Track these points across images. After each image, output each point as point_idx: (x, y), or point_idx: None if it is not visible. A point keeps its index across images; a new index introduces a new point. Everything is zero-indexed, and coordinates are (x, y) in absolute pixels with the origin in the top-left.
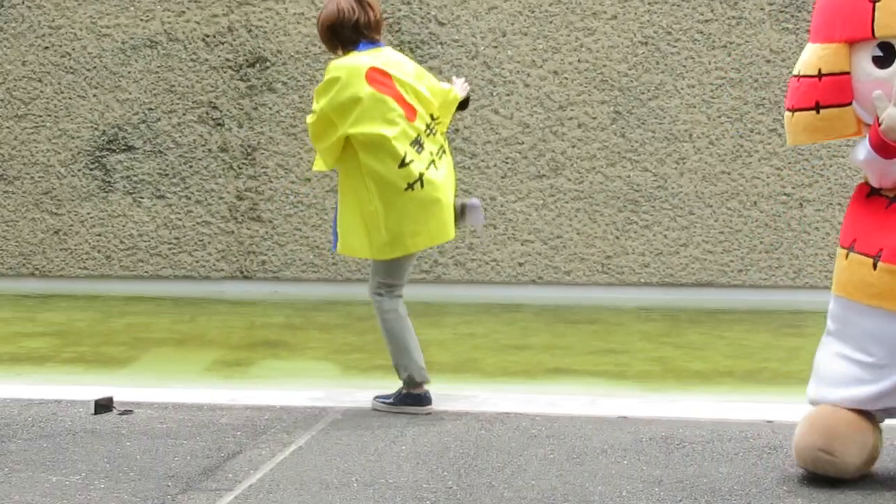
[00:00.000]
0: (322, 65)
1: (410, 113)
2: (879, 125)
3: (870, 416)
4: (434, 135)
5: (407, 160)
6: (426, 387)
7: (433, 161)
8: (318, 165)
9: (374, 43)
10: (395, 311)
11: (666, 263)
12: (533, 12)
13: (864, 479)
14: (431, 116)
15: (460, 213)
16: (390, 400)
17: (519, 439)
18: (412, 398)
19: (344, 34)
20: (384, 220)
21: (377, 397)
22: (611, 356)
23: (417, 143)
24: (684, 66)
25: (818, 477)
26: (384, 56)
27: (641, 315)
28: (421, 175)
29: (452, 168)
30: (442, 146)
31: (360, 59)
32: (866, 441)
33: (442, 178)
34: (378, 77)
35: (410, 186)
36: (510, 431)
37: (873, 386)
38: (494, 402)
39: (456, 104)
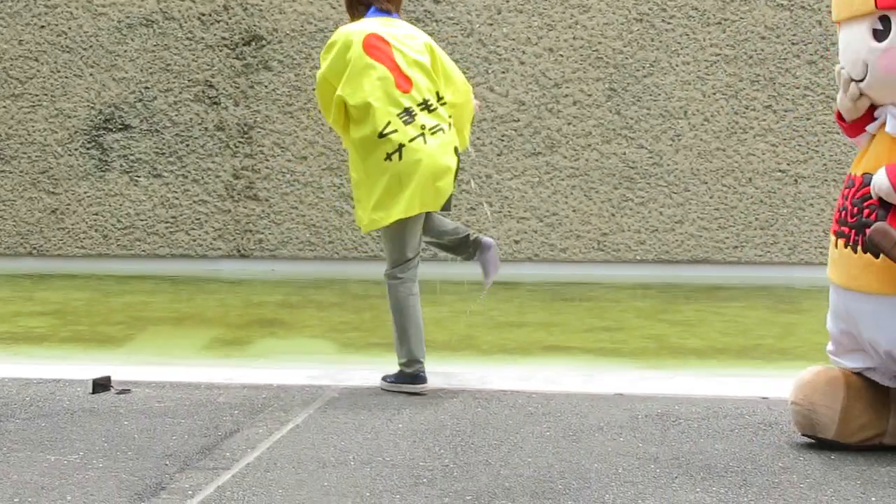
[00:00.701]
0: (318, 42)
1: (404, 83)
2: None
3: (883, 390)
4: (434, 111)
5: (387, 130)
6: (424, 367)
7: (423, 134)
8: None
9: (385, 12)
10: (403, 298)
11: (661, 240)
12: None
13: (861, 451)
14: (438, 95)
15: (473, 246)
16: (391, 379)
17: (515, 417)
18: (405, 377)
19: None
20: (365, 191)
21: (384, 377)
22: (607, 333)
23: (407, 114)
24: (679, 42)
25: (813, 452)
26: (391, 25)
27: (637, 292)
28: (401, 146)
29: (451, 149)
30: (440, 124)
31: (362, 25)
32: (850, 404)
33: (429, 150)
34: (375, 43)
35: (388, 157)
36: (506, 409)
37: (835, 346)
38: (491, 380)
39: (468, 108)
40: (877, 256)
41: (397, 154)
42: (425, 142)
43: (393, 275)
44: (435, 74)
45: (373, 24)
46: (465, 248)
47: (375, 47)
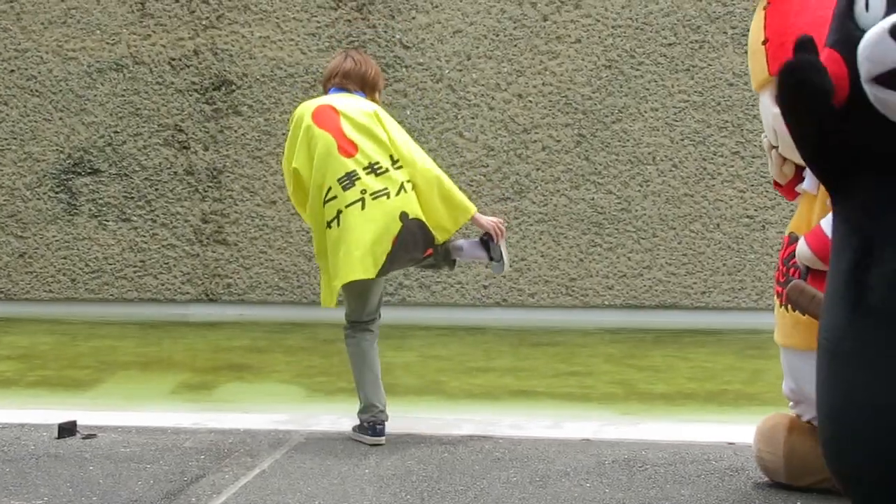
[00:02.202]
0: (287, 88)
1: (349, 146)
2: None
3: None
4: (383, 174)
5: (328, 197)
6: (382, 414)
7: (363, 199)
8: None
9: (343, 89)
10: (355, 345)
11: (629, 286)
12: (497, 36)
13: (829, 494)
14: (392, 158)
15: (446, 254)
16: (356, 428)
17: (482, 462)
18: (362, 427)
19: (327, 82)
20: (323, 262)
21: (353, 427)
22: (575, 378)
23: (348, 178)
24: (647, 89)
25: (779, 497)
26: (345, 98)
27: (605, 337)
28: (339, 212)
29: (394, 215)
30: (386, 189)
31: (317, 99)
32: (793, 448)
33: (366, 216)
34: (324, 112)
35: (329, 225)
36: (473, 454)
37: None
38: (458, 425)
39: (443, 198)
40: (804, 314)
41: (336, 221)
42: (363, 207)
43: (346, 326)
44: (391, 140)
45: (329, 98)
46: (442, 261)
47: (323, 115)
